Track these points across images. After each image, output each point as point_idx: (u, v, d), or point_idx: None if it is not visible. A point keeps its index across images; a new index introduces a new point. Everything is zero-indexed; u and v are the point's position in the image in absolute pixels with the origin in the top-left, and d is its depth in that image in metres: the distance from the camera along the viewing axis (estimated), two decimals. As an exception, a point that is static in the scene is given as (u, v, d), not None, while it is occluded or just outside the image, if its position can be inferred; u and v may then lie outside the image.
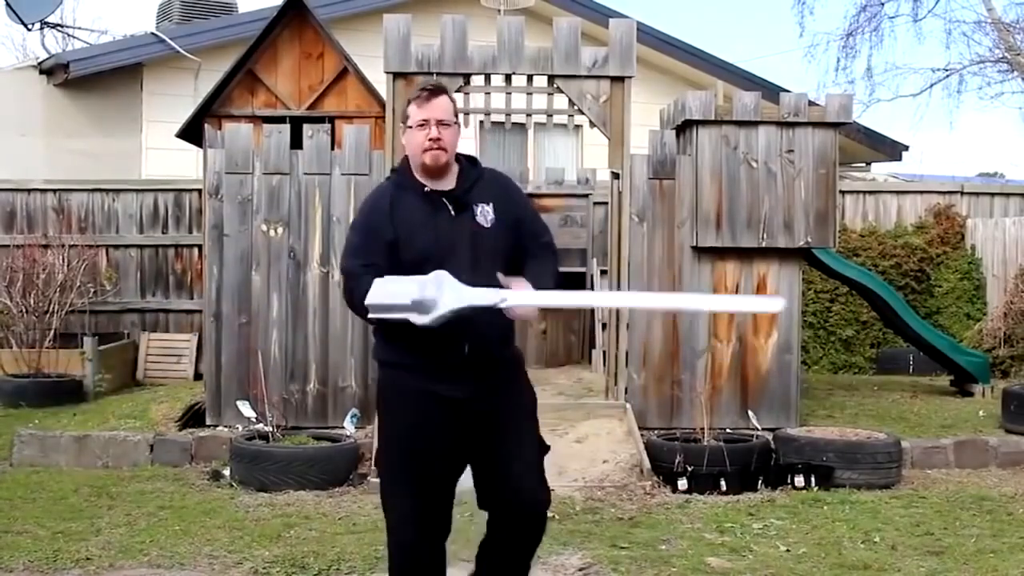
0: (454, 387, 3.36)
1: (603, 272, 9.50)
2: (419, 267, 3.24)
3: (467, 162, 3.54)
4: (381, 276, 3.25)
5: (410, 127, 3.43)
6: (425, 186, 3.41)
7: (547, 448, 3.58)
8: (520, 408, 3.53)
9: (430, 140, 3.38)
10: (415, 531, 3.42)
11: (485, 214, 3.41)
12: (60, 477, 6.64)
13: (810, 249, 7.79)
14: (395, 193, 3.45)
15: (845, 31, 13.98)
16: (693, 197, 7.55)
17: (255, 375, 7.31)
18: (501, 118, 7.71)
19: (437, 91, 3.45)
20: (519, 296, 3.25)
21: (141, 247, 10.32)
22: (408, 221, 3.38)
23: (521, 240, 3.49)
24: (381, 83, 7.74)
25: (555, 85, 7.56)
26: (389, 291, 3.18)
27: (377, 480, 6.26)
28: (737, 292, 7.59)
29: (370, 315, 3.26)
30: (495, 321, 3.32)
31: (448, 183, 3.44)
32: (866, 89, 13.90)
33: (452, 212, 3.39)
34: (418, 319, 3.13)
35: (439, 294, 3.13)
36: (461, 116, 3.58)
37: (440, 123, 3.40)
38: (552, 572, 4.75)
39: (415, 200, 3.41)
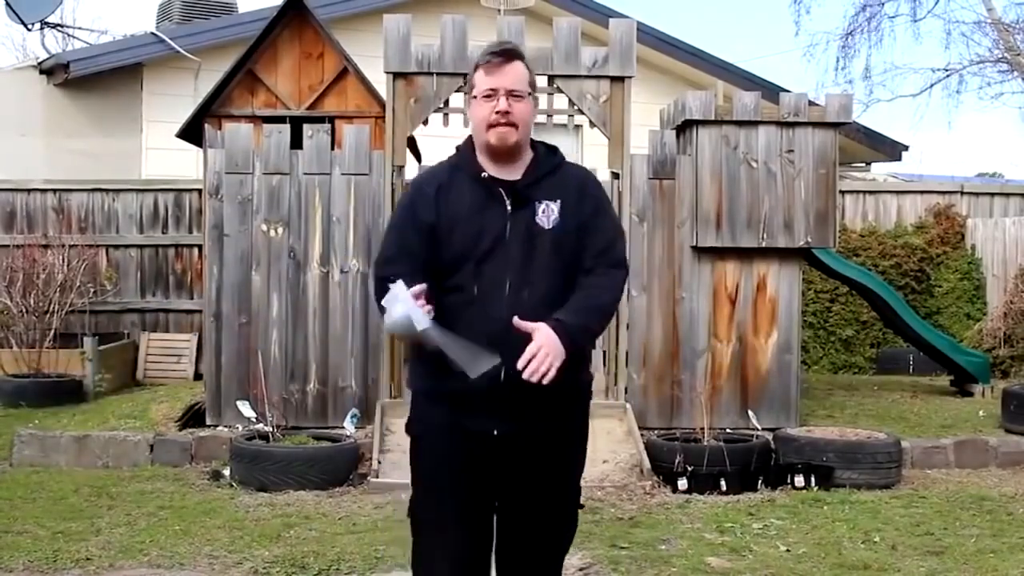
0: (485, 421, 2.87)
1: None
2: (456, 267, 2.86)
3: (545, 150, 3.03)
4: (415, 280, 2.79)
5: (474, 98, 2.92)
6: (483, 171, 2.92)
7: (581, 505, 3.14)
8: (568, 457, 3.03)
9: (497, 113, 2.86)
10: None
11: (548, 213, 2.89)
12: (60, 477, 6.64)
13: (810, 249, 7.79)
14: (448, 176, 2.96)
15: (845, 31, 13.99)
16: (693, 197, 7.55)
17: (255, 375, 7.31)
18: (501, 118, 7.70)
19: (511, 55, 2.92)
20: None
21: (141, 247, 10.31)
22: (454, 210, 2.88)
23: (582, 251, 2.92)
24: (381, 83, 7.74)
25: (555, 85, 7.56)
26: (446, 345, 2.75)
27: (378, 481, 6.32)
28: (737, 292, 7.59)
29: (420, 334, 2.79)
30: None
31: (515, 172, 2.93)
32: (865, 89, 13.91)
33: (509, 206, 2.88)
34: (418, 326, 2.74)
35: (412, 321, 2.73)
36: (540, 96, 3.30)
37: (512, 94, 2.89)
38: (552, 572, 4.75)
39: (469, 186, 2.91)
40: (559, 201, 2.91)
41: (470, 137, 3.00)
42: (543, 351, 2.71)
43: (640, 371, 7.54)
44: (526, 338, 2.73)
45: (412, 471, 3.04)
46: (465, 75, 7.63)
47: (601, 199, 3.03)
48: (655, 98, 10.80)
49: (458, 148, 3.06)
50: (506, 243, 2.84)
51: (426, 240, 2.89)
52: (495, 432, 2.86)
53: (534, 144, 3.00)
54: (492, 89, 2.88)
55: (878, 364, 11.24)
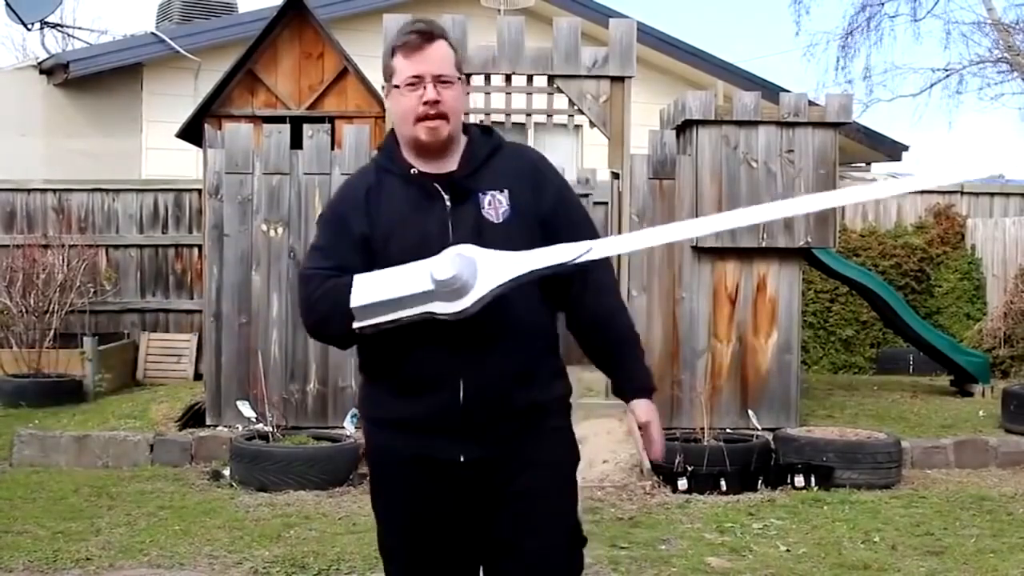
0: (452, 446, 2.46)
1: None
2: None
3: (479, 133, 2.61)
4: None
5: (396, 87, 2.50)
6: (412, 168, 2.51)
7: (583, 541, 2.69)
8: (549, 483, 2.55)
9: (425, 104, 2.46)
10: None
11: (496, 204, 2.49)
12: (60, 477, 6.64)
13: (810, 249, 7.79)
14: (376, 178, 2.55)
15: (844, 31, 13.99)
16: (693, 197, 7.55)
17: (255, 375, 7.31)
18: (501, 118, 7.70)
19: (431, 35, 2.50)
20: (609, 243, 2.42)
21: (141, 247, 10.31)
22: (387, 216, 2.49)
23: (559, 240, 2.47)
24: (381, 83, 7.72)
25: (555, 85, 7.56)
26: (383, 283, 2.33)
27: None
28: (737, 292, 7.60)
29: (357, 324, 2.36)
30: (516, 344, 2.45)
31: (449, 163, 2.53)
32: (866, 89, 13.91)
33: (448, 202, 2.48)
34: (447, 307, 2.29)
35: (470, 268, 2.29)
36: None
37: (439, 80, 2.47)
38: (552, 572, 4.75)
39: (400, 187, 2.51)
40: (506, 191, 2.51)
41: (392, 132, 2.59)
42: (653, 428, 2.76)
43: (640, 371, 7.52)
44: (488, 353, 2.41)
45: (373, 505, 2.65)
46: (466, 75, 7.63)
47: (561, 185, 2.64)
48: (655, 98, 10.80)
49: (380, 146, 2.66)
50: (451, 246, 2.37)
51: (362, 255, 2.46)
52: (461, 458, 2.46)
53: (466, 128, 2.59)
54: (416, 76, 2.46)
55: (878, 364, 11.24)
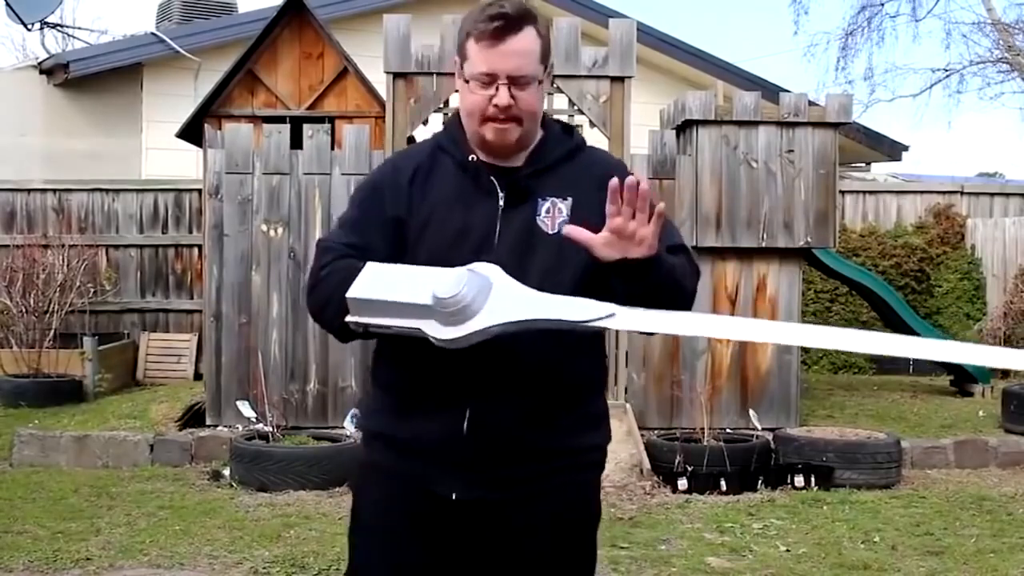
0: (449, 480, 2.15)
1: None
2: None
3: (559, 131, 2.28)
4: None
5: (465, 81, 2.15)
6: (472, 155, 2.19)
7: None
8: (557, 548, 2.19)
9: (495, 107, 2.11)
10: None
11: (555, 213, 2.16)
12: (60, 477, 6.64)
13: (810, 249, 7.79)
14: (429, 159, 2.24)
15: (845, 31, 14.00)
16: (693, 197, 7.55)
17: (255, 375, 7.31)
18: (501, 118, 7.70)
19: (517, 23, 2.09)
20: (634, 315, 2.00)
21: (141, 247, 10.31)
22: (429, 202, 2.18)
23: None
24: (381, 83, 7.74)
25: (555, 85, 7.56)
26: (389, 280, 2.04)
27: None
28: (737, 292, 7.60)
29: (351, 318, 2.05)
30: (539, 380, 2.11)
31: (517, 159, 2.21)
32: (866, 89, 13.92)
33: (502, 201, 2.16)
34: (439, 330, 1.98)
35: (480, 295, 1.97)
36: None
37: (515, 81, 2.11)
38: (552, 572, 4.75)
39: (453, 173, 2.21)
40: (570, 199, 2.17)
41: (457, 112, 2.26)
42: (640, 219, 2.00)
43: (640, 371, 7.54)
44: (504, 384, 2.08)
45: (349, 539, 2.32)
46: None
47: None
48: (655, 98, 10.80)
49: (445, 125, 2.32)
50: (494, 249, 2.10)
51: (391, 240, 2.18)
52: (453, 496, 2.14)
53: (546, 122, 2.26)
54: (489, 75, 2.11)
55: (878, 364, 11.23)
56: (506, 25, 2.08)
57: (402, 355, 2.16)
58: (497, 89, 2.10)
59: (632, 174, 2.09)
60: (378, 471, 2.25)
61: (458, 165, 2.20)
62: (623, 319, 1.98)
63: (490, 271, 2.00)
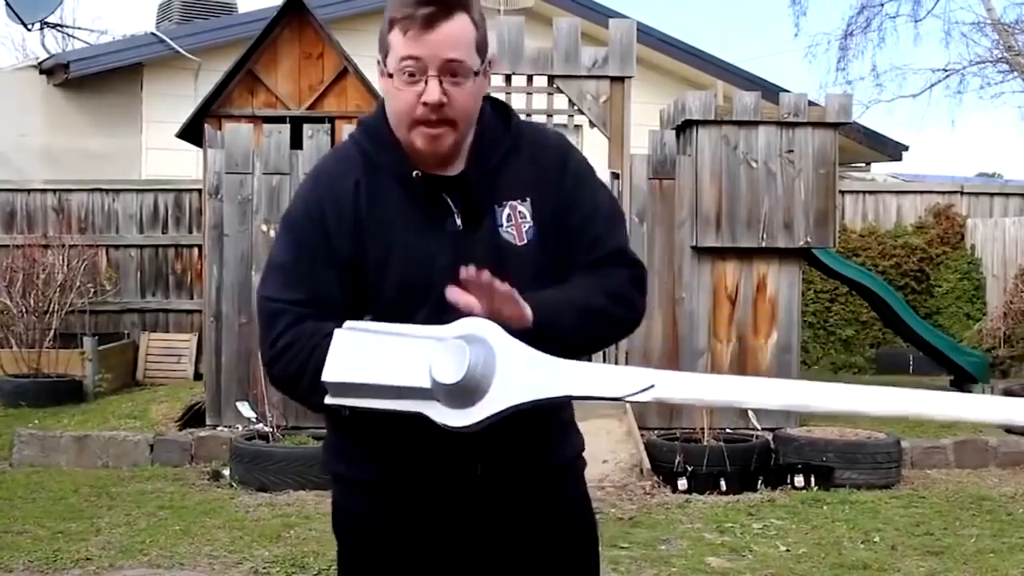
0: (451, 524, 1.93)
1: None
2: (400, 319, 1.80)
3: (493, 119, 1.95)
4: (331, 320, 1.79)
5: (389, 76, 1.83)
6: (414, 171, 1.87)
7: None
8: (572, 558, 2.03)
9: (424, 105, 1.80)
10: None
11: (517, 220, 1.90)
12: (60, 477, 6.64)
13: (810, 249, 7.79)
14: (366, 172, 1.90)
15: (844, 31, 14.01)
16: (693, 197, 7.55)
17: (255, 375, 7.31)
18: (501, 118, 7.71)
19: (447, 8, 1.78)
20: (675, 383, 1.73)
21: (141, 247, 10.31)
22: (383, 235, 1.87)
23: (572, 254, 1.93)
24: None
25: (555, 85, 7.57)
26: (369, 354, 1.73)
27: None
28: (737, 292, 7.60)
29: (332, 401, 1.76)
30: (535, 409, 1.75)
31: (455, 164, 1.90)
32: (866, 89, 13.94)
33: (459, 221, 1.89)
34: (447, 416, 1.70)
35: (486, 368, 1.68)
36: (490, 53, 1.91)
37: (448, 71, 1.80)
38: (552, 572, 4.75)
39: (396, 193, 1.88)
40: (529, 199, 1.91)
41: (381, 109, 1.92)
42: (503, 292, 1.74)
43: (640, 371, 7.52)
44: (508, 424, 1.73)
45: None
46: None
47: (582, 172, 1.97)
48: (655, 98, 10.79)
49: (365, 125, 1.95)
50: (451, 285, 1.77)
51: (345, 284, 1.86)
52: (462, 539, 1.93)
53: (481, 112, 1.92)
54: (415, 58, 1.79)
55: (878, 364, 11.24)
56: (437, 11, 1.77)
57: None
58: (426, 83, 1.79)
59: (569, 148, 1.97)
60: (364, 519, 1.98)
61: (399, 181, 1.88)
62: (662, 389, 1.71)
63: (487, 332, 1.71)
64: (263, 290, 1.90)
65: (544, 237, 1.91)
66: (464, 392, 1.67)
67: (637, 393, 1.70)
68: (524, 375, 1.70)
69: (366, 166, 1.90)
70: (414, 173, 1.87)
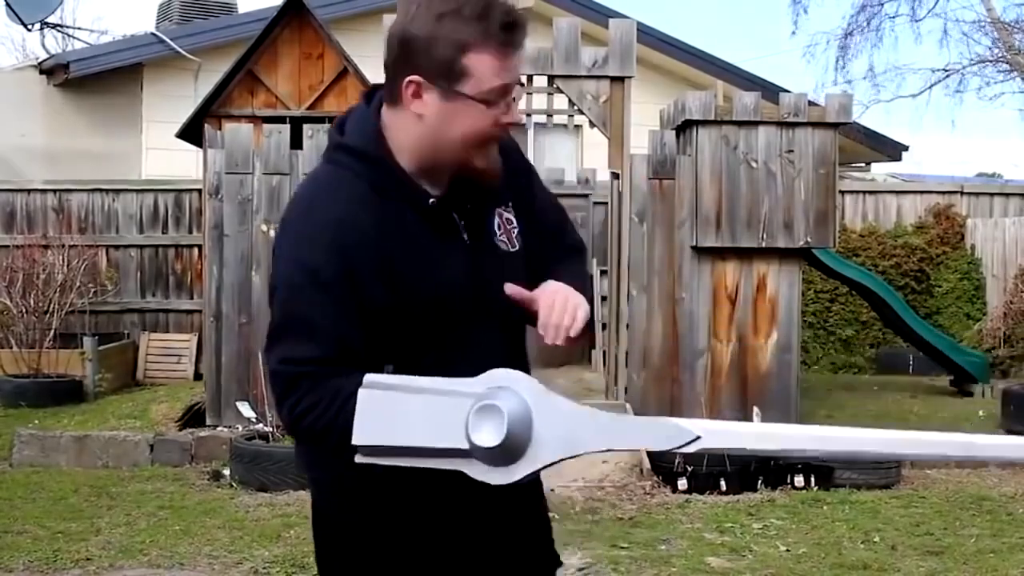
0: (467, 529, 1.95)
1: (603, 272, 9.51)
2: (425, 351, 1.83)
3: None
4: (353, 373, 1.72)
5: (469, 98, 1.77)
6: (431, 196, 1.85)
7: (559, 563, 2.15)
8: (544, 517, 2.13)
9: (504, 126, 1.83)
10: None
11: (505, 224, 1.94)
12: (60, 477, 6.64)
13: (810, 249, 7.79)
14: (381, 209, 1.83)
15: (844, 31, 14.01)
16: (693, 197, 7.55)
17: (255, 375, 7.31)
18: (501, 118, 7.70)
19: (525, 31, 1.81)
20: (720, 434, 1.68)
21: (141, 247, 10.31)
22: (416, 275, 1.83)
23: (541, 247, 1.99)
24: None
25: (555, 85, 7.56)
26: (400, 415, 1.69)
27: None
28: (737, 292, 7.59)
29: (364, 459, 1.71)
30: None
31: (439, 180, 1.88)
32: (866, 89, 13.94)
33: (466, 237, 1.89)
34: (488, 475, 1.67)
35: (523, 425, 1.65)
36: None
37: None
38: (552, 572, 4.75)
39: (415, 225, 1.84)
40: (510, 201, 1.94)
41: (378, 133, 1.85)
42: (562, 297, 1.82)
43: (640, 371, 7.54)
44: None
45: None
46: None
47: (532, 166, 2.06)
48: (655, 98, 10.80)
49: (357, 152, 1.85)
50: (488, 305, 1.86)
51: (371, 328, 1.80)
52: (474, 538, 1.97)
53: None
54: (509, 84, 1.79)
55: (878, 364, 11.24)
56: (523, 36, 1.78)
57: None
58: (509, 105, 1.80)
59: (518, 145, 2.00)
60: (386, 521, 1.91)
61: (414, 210, 1.84)
62: (708, 440, 1.67)
63: (519, 385, 1.67)
64: (280, 351, 1.81)
65: (527, 238, 1.95)
66: (504, 452, 1.63)
67: (684, 446, 1.66)
68: (564, 430, 1.66)
69: (374, 199, 1.82)
70: (430, 200, 1.84)
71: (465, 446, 1.64)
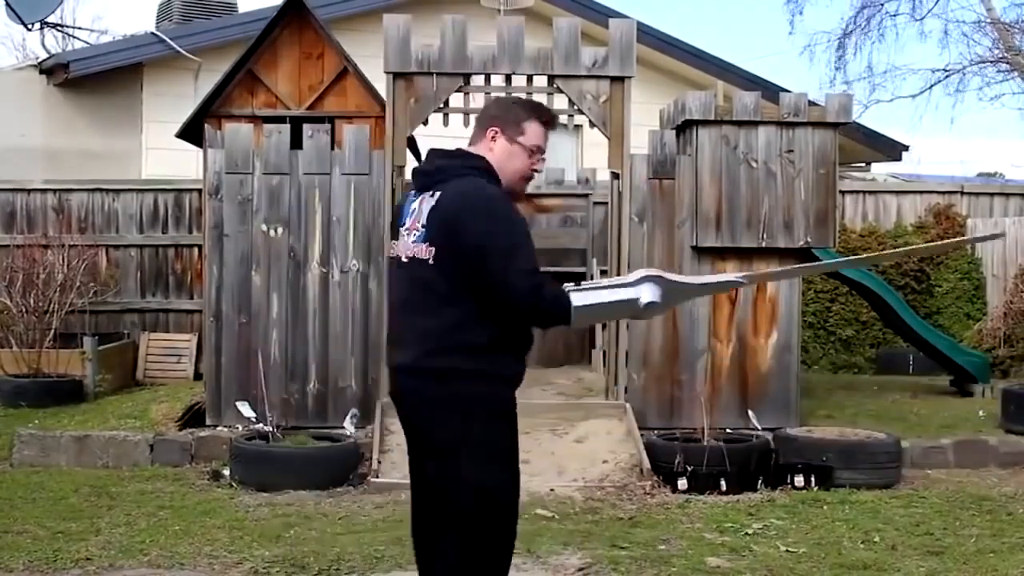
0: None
1: (603, 272, 9.51)
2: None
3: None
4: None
5: (522, 146, 3.21)
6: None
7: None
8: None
9: (534, 171, 3.26)
10: None
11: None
12: (60, 477, 6.65)
13: (810, 249, 7.79)
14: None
15: (844, 31, 14.01)
16: (693, 197, 7.55)
17: (255, 375, 7.31)
18: (501, 118, 7.69)
19: (556, 125, 3.36)
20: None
21: (141, 247, 10.31)
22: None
23: None
24: (381, 83, 7.74)
25: (555, 85, 7.56)
26: (596, 292, 3.17)
27: (378, 481, 6.30)
28: (737, 292, 7.59)
29: (576, 320, 3.17)
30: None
31: None
32: (866, 89, 13.93)
33: None
34: (647, 295, 3.16)
35: (657, 288, 3.18)
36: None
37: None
38: (552, 572, 4.76)
39: None
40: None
41: (489, 164, 3.19)
42: None
43: (640, 371, 7.54)
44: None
45: (497, 461, 3.14)
46: (466, 75, 7.64)
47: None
48: (655, 98, 10.80)
49: (492, 174, 3.20)
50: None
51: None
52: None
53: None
54: (541, 148, 3.22)
55: (878, 364, 11.23)
56: (556, 124, 3.34)
57: (517, 330, 3.18)
58: (541, 160, 3.26)
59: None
60: (512, 402, 3.18)
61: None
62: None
63: (656, 271, 3.24)
64: (536, 262, 3.08)
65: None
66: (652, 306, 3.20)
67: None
68: (676, 284, 3.28)
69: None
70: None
71: (636, 298, 3.18)
